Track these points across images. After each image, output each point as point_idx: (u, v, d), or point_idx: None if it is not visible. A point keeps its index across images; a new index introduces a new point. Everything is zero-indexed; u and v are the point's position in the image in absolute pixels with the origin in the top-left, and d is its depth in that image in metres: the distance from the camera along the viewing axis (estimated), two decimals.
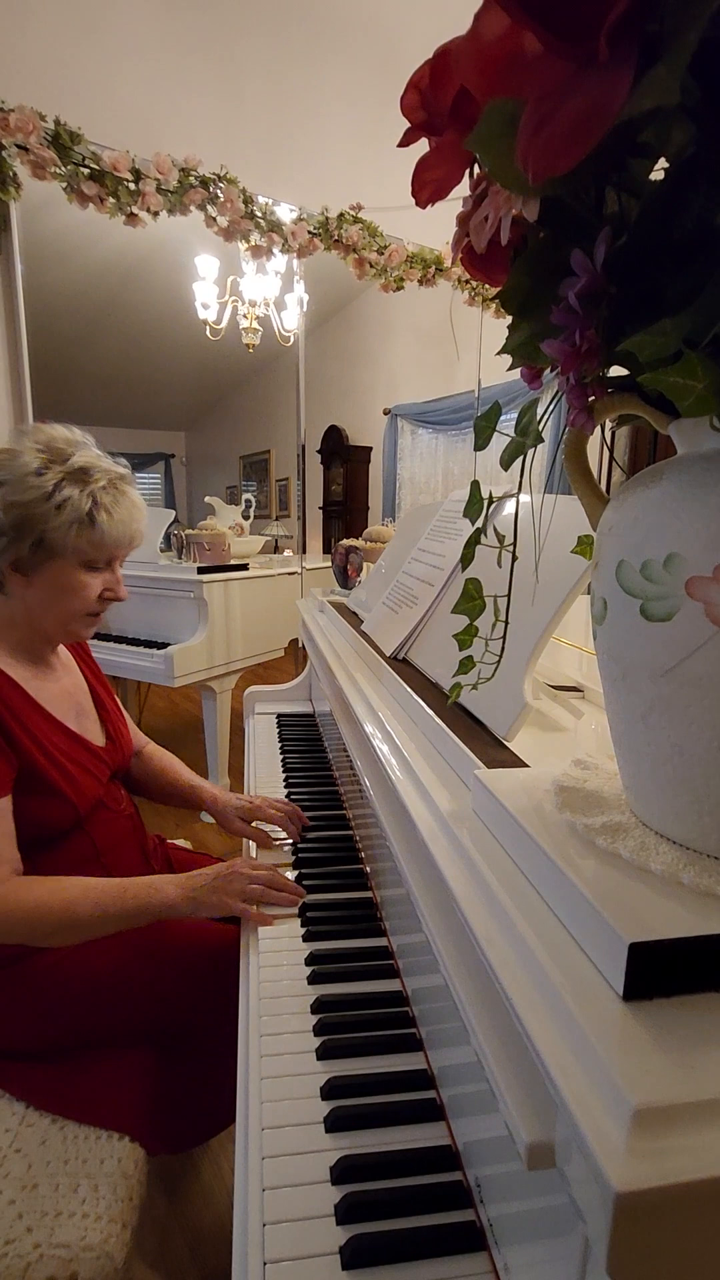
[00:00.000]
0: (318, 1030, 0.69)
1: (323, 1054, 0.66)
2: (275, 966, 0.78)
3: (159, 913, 0.85)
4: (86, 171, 1.99)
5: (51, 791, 0.90)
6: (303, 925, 0.85)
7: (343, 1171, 0.54)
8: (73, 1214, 0.70)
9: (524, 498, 0.54)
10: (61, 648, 1.05)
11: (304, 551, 3.10)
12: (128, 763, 1.11)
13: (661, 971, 0.32)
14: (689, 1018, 0.32)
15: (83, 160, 1.98)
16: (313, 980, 0.75)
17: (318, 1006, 0.72)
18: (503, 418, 0.47)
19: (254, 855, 1.03)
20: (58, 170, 1.96)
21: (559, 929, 0.38)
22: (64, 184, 1.99)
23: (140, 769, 1.20)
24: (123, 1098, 0.82)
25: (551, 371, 0.40)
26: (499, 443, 0.46)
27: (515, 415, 0.43)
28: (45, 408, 2.20)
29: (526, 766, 0.58)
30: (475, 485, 0.53)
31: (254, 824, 1.08)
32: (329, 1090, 0.62)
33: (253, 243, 2.41)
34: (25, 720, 0.90)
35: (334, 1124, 0.58)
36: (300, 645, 2.73)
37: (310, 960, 0.79)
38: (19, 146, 1.89)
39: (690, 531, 0.34)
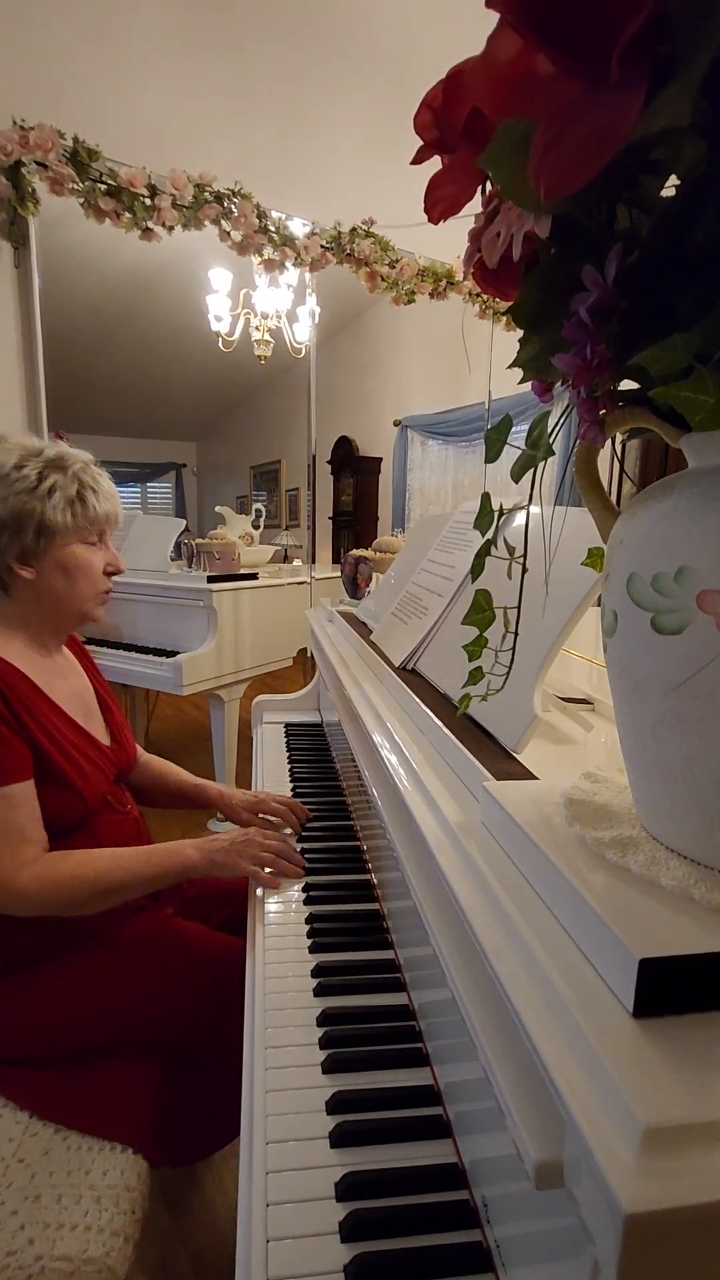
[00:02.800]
0: (323, 1043, 0.68)
1: (328, 1067, 0.65)
2: (281, 978, 0.77)
3: (181, 874, 0.92)
4: (104, 188, 2.03)
5: (62, 783, 0.92)
6: (309, 936, 0.84)
7: (347, 1188, 0.54)
8: (75, 1226, 0.69)
9: (534, 510, 0.54)
10: (65, 650, 1.08)
11: (313, 561, 3.10)
12: (132, 765, 1.13)
13: (672, 988, 0.32)
14: (700, 1036, 0.31)
15: (100, 177, 2.02)
16: (318, 993, 0.75)
17: (323, 1019, 0.71)
18: (513, 430, 0.47)
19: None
20: (75, 186, 2.00)
21: (568, 944, 0.38)
22: (81, 200, 2.03)
23: (142, 777, 1.21)
24: (127, 1109, 0.82)
25: (562, 385, 0.40)
26: (509, 455, 0.46)
27: (526, 428, 0.43)
28: (59, 417, 2.23)
29: (536, 779, 0.58)
30: (486, 497, 0.54)
31: (260, 815, 1.12)
32: (334, 1104, 0.61)
33: (266, 256, 2.43)
34: (36, 712, 0.92)
35: (339, 1139, 0.58)
36: (309, 655, 2.74)
37: (316, 972, 0.78)
38: (38, 164, 1.93)
39: (702, 544, 0.34)
